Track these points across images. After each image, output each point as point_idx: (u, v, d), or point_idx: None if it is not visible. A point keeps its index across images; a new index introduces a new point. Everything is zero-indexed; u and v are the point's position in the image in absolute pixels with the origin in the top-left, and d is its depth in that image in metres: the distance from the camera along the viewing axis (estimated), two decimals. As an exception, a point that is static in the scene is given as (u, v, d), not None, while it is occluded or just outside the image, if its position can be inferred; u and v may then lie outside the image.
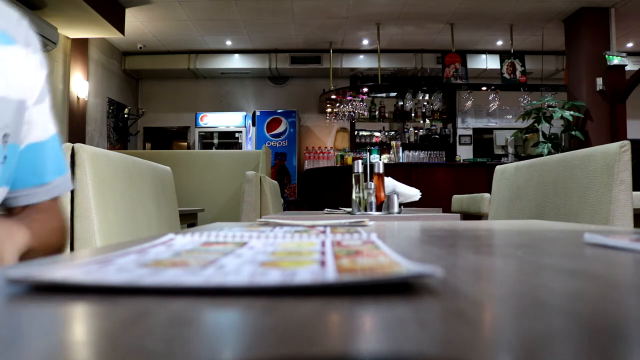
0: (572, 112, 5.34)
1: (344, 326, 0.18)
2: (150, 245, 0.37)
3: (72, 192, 0.97)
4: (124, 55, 7.22)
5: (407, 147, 7.04)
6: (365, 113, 7.08)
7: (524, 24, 6.08)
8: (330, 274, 0.24)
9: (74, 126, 5.67)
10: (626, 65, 5.46)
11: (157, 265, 0.28)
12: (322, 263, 0.28)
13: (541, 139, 5.71)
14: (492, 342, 0.16)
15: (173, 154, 3.88)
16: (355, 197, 1.72)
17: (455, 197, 3.70)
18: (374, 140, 7.40)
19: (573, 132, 5.40)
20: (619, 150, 1.06)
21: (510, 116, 7.20)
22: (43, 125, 0.65)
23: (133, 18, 5.77)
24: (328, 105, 7.24)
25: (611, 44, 5.49)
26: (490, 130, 7.53)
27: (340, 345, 0.15)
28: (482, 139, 7.53)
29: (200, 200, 3.39)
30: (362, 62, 7.27)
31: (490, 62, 6.93)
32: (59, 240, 0.67)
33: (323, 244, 0.39)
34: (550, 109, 5.60)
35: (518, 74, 6.47)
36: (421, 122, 7.27)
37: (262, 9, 5.69)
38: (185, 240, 0.42)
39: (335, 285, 0.22)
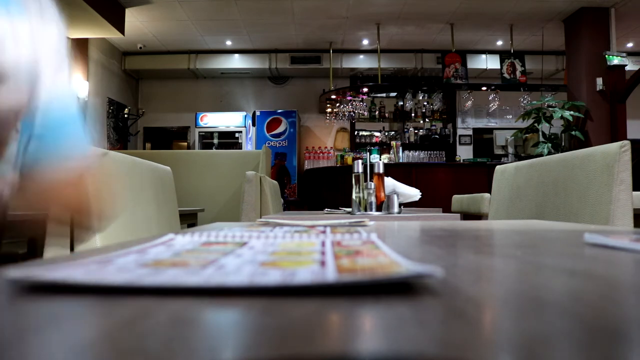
0: (572, 112, 5.34)
1: (345, 326, 0.18)
2: (150, 245, 0.37)
3: (72, 192, 0.96)
4: (124, 55, 7.22)
5: (407, 147, 7.04)
6: (365, 113, 7.08)
7: (524, 24, 6.08)
8: (330, 274, 0.24)
9: (74, 126, 5.66)
10: (626, 65, 5.46)
11: (157, 265, 0.28)
12: (322, 263, 0.28)
13: (541, 139, 5.71)
14: (492, 342, 0.16)
15: (173, 154, 3.88)
16: (355, 197, 1.72)
17: (455, 197, 3.70)
18: (374, 140, 7.40)
19: (573, 132, 5.40)
20: (619, 150, 1.06)
21: (510, 116, 7.20)
22: (64, 98, 0.62)
23: (133, 18, 5.77)
24: (328, 105, 7.24)
25: (611, 44, 5.49)
26: (490, 130, 7.53)
27: (340, 345, 0.15)
28: (482, 139, 7.53)
29: (200, 200, 3.39)
30: (362, 62, 7.27)
31: (490, 62, 6.93)
32: (83, 217, 0.66)
33: (323, 244, 0.39)
34: (550, 109, 5.60)
35: (518, 74, 6.47)
36: (421, 122, 7.26)
37: (262, 9, 5.69)
38: (185, 240, 0.42)
39: (335, 285, 0.22)
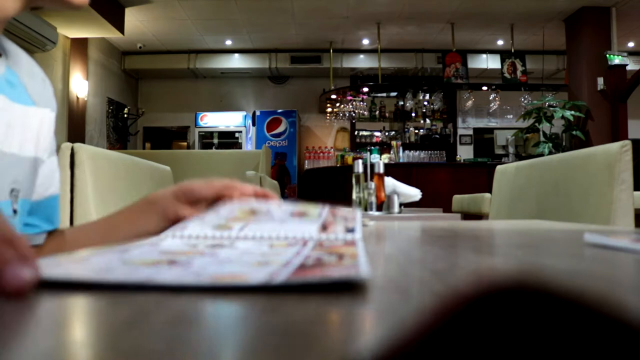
0: (572, 112, 5.34)
1: (343, 327, 0.18)
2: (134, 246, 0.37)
3: (72, 192, 0.96)
4: (124, 55, 7.22)
5: (407, 147, 7.04)
6: (366, 113, 7.08)
7: (524, 24, 6.08)
8: (279, 276, 0.24)
9: (74, 126, 5.67)
10: (627, 64, 5.46)
11: (138, 264, 0.28)
12: (287, 263, 0.28)
13: (542, 138, 5.71)
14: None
15: (173, 154, 3.88)
16: (356, 197, 1.72)
17: (456, 197, 3.70)
18: (374, 140, 7.40)
19: (574, 132, 5.40)
20: (620, 150, 1.06)
21: (511, 116, 7.20)
22: (57, 177, 0.69)
23: (133, 18, 5.77)
24: (328, 105, 7.24)
25: (612, 44, 5.49)
26: (490, 130, 7.53)
27: (338, 345, 0.15)
28: (482, 139, 7.52)
29: (201, 200, 3.39)
30: (362, 61, 7.27)
31: (491, 62, 6.92)
32: None
33: (305, 243, 0.38)
34: (551, 108, 5.60)
35: (519, 73, 6.47)
36: (421, 122, 7.26)
37: (262, 9, 5.69)
38: (175, 241, 0.41)
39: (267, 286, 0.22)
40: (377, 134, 7.43)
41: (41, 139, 0.63)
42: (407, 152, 6.87)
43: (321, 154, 7.42)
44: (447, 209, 3.77)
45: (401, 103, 7.19)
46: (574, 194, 1.19)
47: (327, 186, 6.12)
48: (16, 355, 0.14)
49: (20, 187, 0.59)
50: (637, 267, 0.35)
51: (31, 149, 0.60)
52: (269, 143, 7.03)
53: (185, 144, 7.85)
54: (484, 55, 7.02)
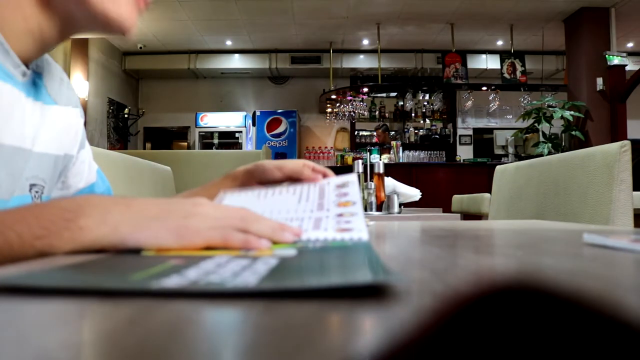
0: (572, 112, 5.34)
1: (342, 327, 0.18)
2: None
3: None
4: (124, 55, 7.22)
5: (407, 147, 7.04)
6: (365, 113, 7.08)
7: (524, 24, 6.08)
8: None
9: (74, 126, 5.67)
10: (626, 65, 5.46)
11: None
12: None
13: (541, 139, 5.71)
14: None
15: (173, 154, 3.87)
16: (356, 197, 1.72)
17: (456, 197, 3.70)
18: (374, 140, 7.40)
19: (573, 132, 5.40)
20: (619, 150, 1.06)
21: (511, 116, 7.20)
22: (89, 166, 0.71)
23: (133, 18, 5.77)
24: (328, 105, 7.24)
25: (611, 44, 5.49)
26: (490, 130, 7.52)
27: (339, 345, 0.15)
28: (482, 139, 7.52)
29: (201, 200, 3.38)
30: (362, 62, 7.26)
31: (491, 62, 6.92)
32: None
33: None
34: (551, 109, 5.60)
35: (518, 74, 6.47)
36: (421, 122, 7.26)
37: (262, 9, 5.69)
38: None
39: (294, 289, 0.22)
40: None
41: (63, 136, 0.64)
42: (406, 152, 6.87)
43: (321, 154, 7.42)
44: (447, 209, 3.77)
45: (401, 103, 7.18)
46: (573, 194, 1.19)
47: (327, 186, 6.09)
48: (19, 354, 0.14)
49: (44, 183, 0.59)
50: (635, 267, 0.35)
51: (53, 146, 0.61)
52: (269, 143, 7.03)
53: (185, 144, 7.85)
54: (484, 56, 7.02)
